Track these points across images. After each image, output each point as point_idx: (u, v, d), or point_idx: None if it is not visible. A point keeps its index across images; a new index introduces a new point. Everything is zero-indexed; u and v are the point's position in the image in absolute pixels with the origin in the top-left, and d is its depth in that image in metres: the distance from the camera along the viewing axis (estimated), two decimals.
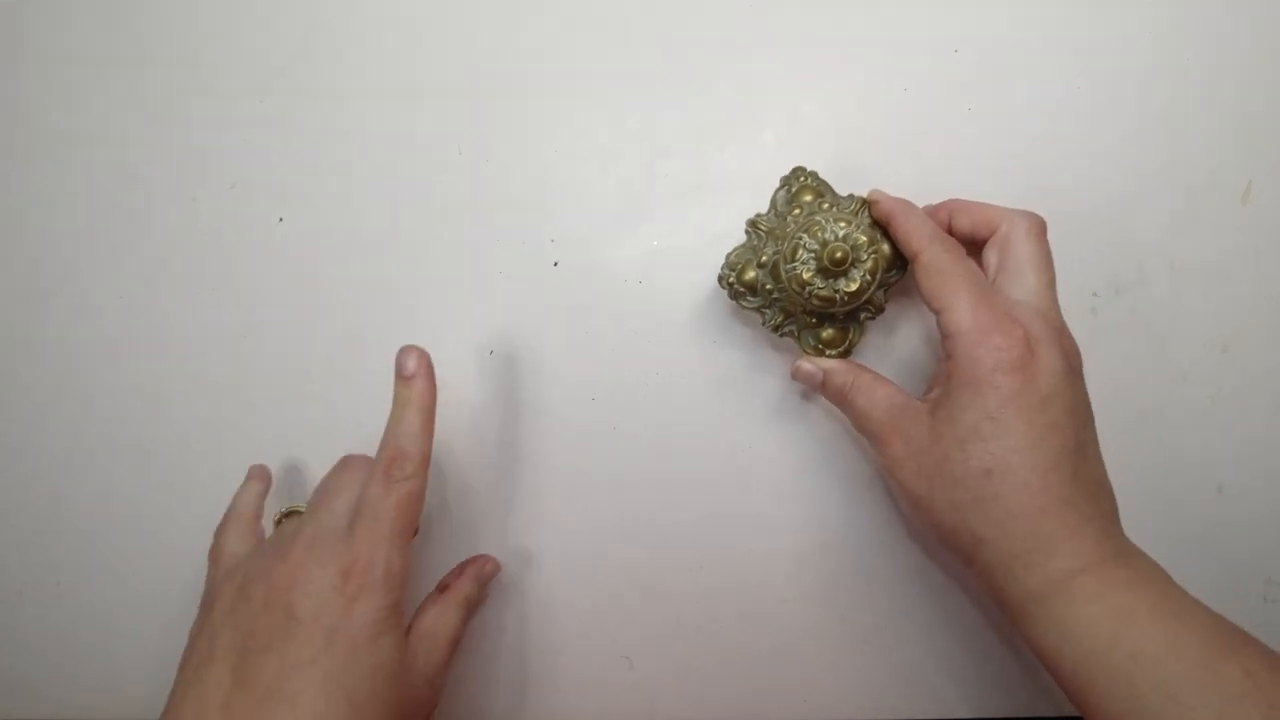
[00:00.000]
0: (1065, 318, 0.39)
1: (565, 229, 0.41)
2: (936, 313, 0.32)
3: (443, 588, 0.37)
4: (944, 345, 0.32)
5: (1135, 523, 0.39)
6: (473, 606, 0.37)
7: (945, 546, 0.33)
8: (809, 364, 0.36)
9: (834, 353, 0.37)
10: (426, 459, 0.33)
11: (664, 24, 0.41)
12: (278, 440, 0.41)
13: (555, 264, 0.40)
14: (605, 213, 0.40)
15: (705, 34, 0.41)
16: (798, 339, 0.37)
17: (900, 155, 0.40)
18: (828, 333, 0.36)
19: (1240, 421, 0.39)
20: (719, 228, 0.40)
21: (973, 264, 0.33)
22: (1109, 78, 0.40)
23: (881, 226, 0.35)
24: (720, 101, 0.40)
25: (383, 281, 0.41)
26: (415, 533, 0.33)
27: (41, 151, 0.42)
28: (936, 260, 0.32)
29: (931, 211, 0.36)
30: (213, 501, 0.38)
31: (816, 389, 0.37)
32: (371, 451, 0.39)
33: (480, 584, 0.38)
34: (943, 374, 0.32)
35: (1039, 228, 0.34)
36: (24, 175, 0.42)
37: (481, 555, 0.39)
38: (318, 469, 0.40)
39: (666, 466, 0.40)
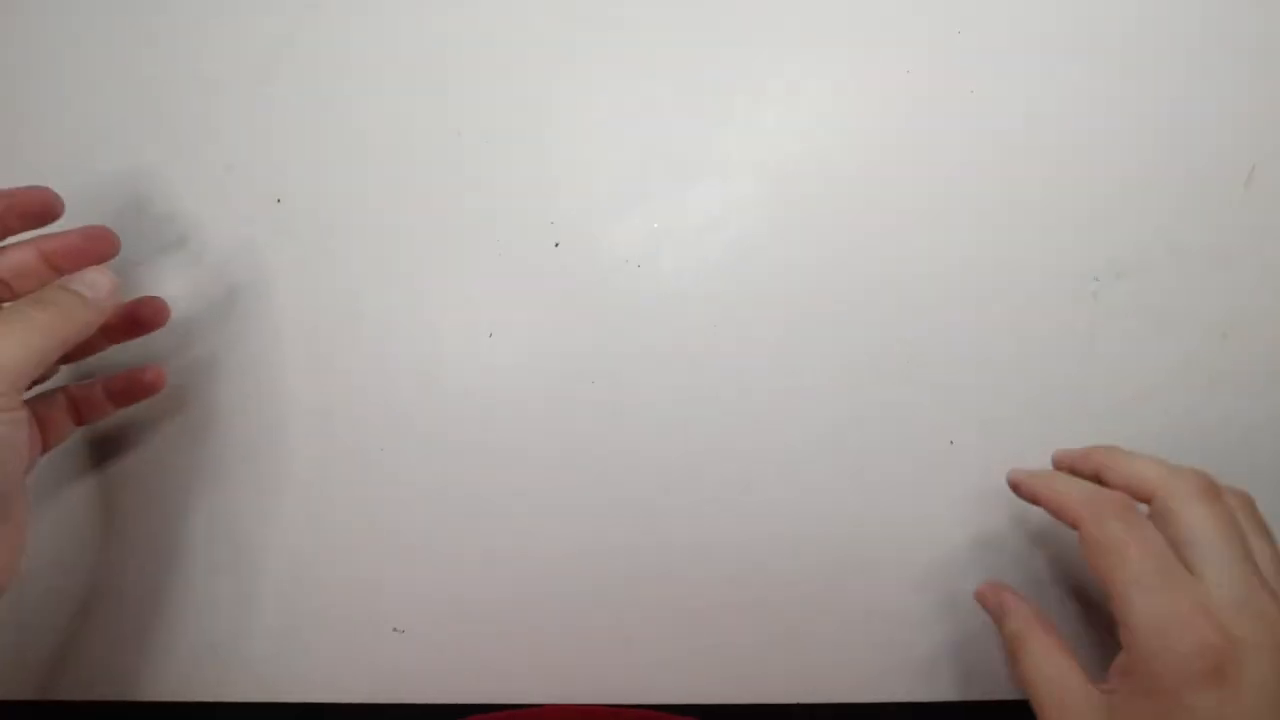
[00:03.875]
0: (1065, 302, 0.39)
1: (565, 211, 0.40)
2: (1105, 588, 0.26)
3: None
4: (1120, 634, 0.26)
5: None
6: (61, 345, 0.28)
7: None
8: (994, 595, 0.32)
9: None
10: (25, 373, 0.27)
11: (664, 3, 0.41)
12: (269, 424, 0.41)
13: (556, 245, 0.40)
14: (605, 194, 0.40)
15: (705, 15, 0.40)
16: None
17: (902, 138, 0.40)
18: None
19: (1240, 407, 0.39)
20: (719, 210, 0.39)
21: (1150, 531, 0.27)
22: (1112, 60, 0.40)
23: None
24: (720, 83, 0.40)
25: (381, 263, 0.41)
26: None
27: (35, 135, 0.42)
28: (1101, 533, 0.27)
29: (1075, 462, 0.31)
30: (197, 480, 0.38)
31: (996, 623, 0.32)
32: (370, 439, 0.39)
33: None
34: (1122, 668, 0.26)
35: (1209, 491, 0.27)
36: (21, 162, 0.42)
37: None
38: (312, 458, 0.40)
39: (667, 449, 0.40)
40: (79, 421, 0.33)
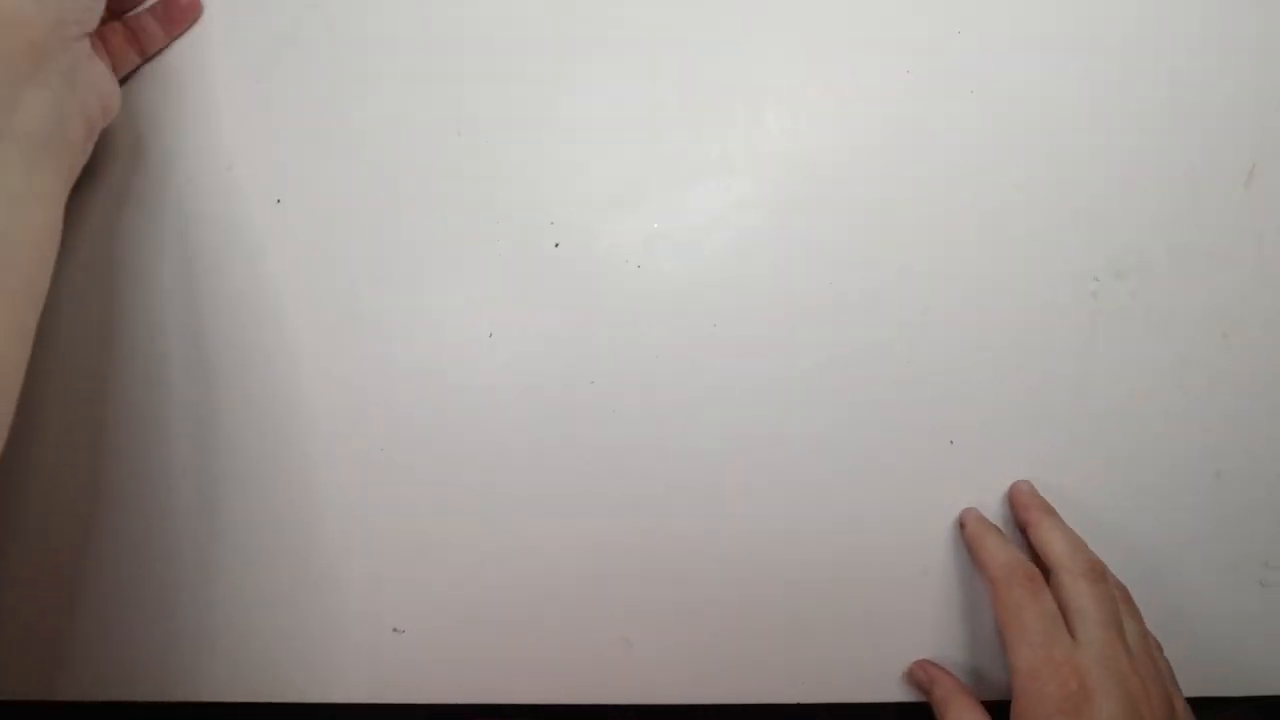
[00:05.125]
0: (1065, 302, 0.39)
1: (565, 211, 0.40)
2: (1004, 644, 0.33)
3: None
4: (1011, 681, 0.32)
5: (1134, 508, 0.39)
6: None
7: None
8: (923, 672, 0.37)
9: None
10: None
11: (664, 4, 0.41)
12: (268, 424, 0.41)
13: (556, 245, 0.40)
14: (605, 195, 0.40)
15: (705, 15, 0.40)
16: None
17: (902, 138, 0.40)
18: None
19: (1240, 407, 0.39)
20: (719, 210, 0.39)
21: (1046, 599, 0.33)
22: (1112, 60, 0.40)
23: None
24: (720, 83, 0.40)
25: (381, 264, 0.41)
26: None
27: None
28: (1008, 596, 0.33)
29: (1016, 508, 0.38)
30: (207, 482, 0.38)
31: (925, 695, 0.37)
32: (370, 439, 0.39)
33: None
34: (1012, 715, 0.32)
35: (1097, 573, 0.34)
36: None
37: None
38: (311, 458, 0.40)
39: (667, 450, 0.40)
40: (141, 52, 0.37)
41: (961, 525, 0.38)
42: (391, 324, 0.40)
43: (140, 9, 0.36)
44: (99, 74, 0.33)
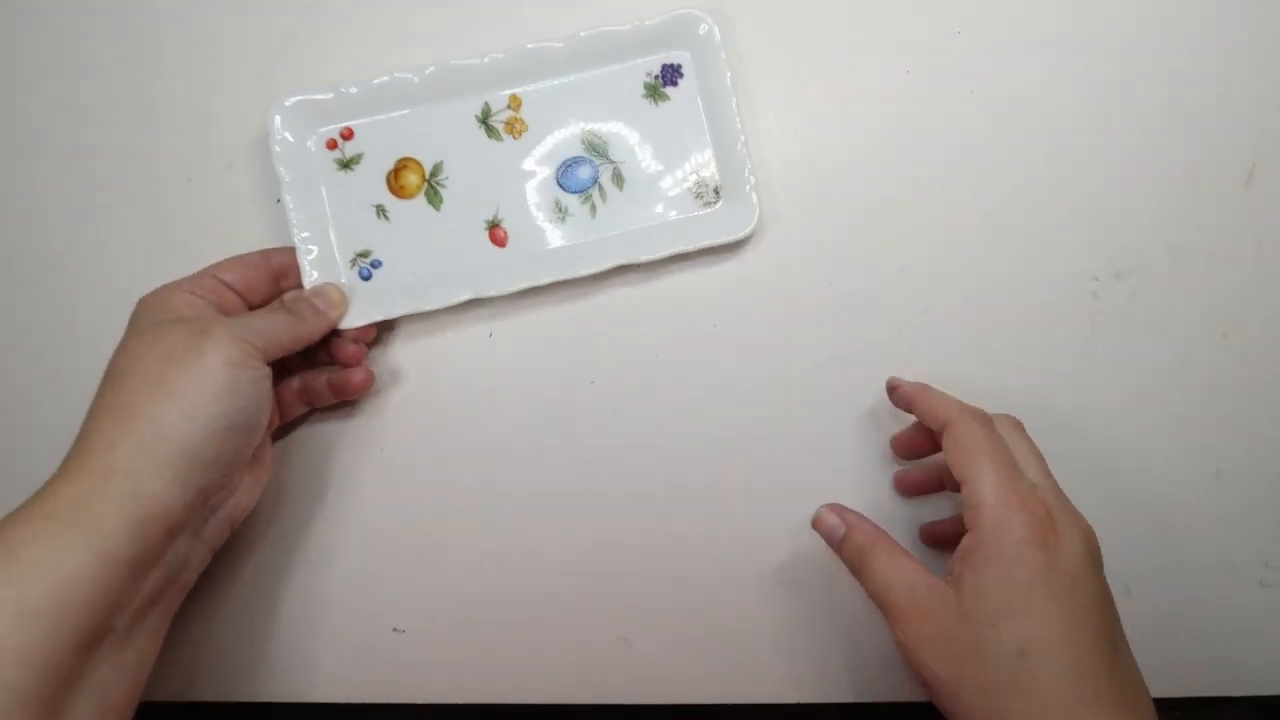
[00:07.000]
0: (1065, 302, 0.39)
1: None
2: (962, 483, 0.31)
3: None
4: (967, 518, 0.31)
5: (1134, 507, 0.39)
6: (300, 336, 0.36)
7: None
8: (833, 515, 0.34)
9: None
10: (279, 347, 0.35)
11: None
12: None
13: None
14: None
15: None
16: None
17: (902, 138, 0.40)
18: None
19: (1240, 407, 0.39)
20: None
21: (1000, 440, 0.32)
22: (1112, 60, 0.40)
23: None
24: None
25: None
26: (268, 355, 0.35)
27: (36, 133, 0.42)
28: (967, 431, 0.32)
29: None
30: None
31: (834, 545, 0.34)
32: (370, 440, 0.39)
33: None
34: (966, 550, 0.30)
35: (1015, 423, 0.34)
36: (18, 157, 0.42)
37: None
38: (311, 459, 0.40)
39: (667, 450, 0.40)
40: (308, 404, 0.39)
41: (892, 389, 0.36)
42: (391, 323, 0.40)
43: (319, 375, 0.39)
44: (234, 505, 0.35)
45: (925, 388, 0.35)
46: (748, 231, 0.38)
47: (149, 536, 0.30)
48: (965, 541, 0.30)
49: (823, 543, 0.39)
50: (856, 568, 0.33)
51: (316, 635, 0.39)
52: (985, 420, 0.32)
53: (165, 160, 0.42)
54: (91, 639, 0.29)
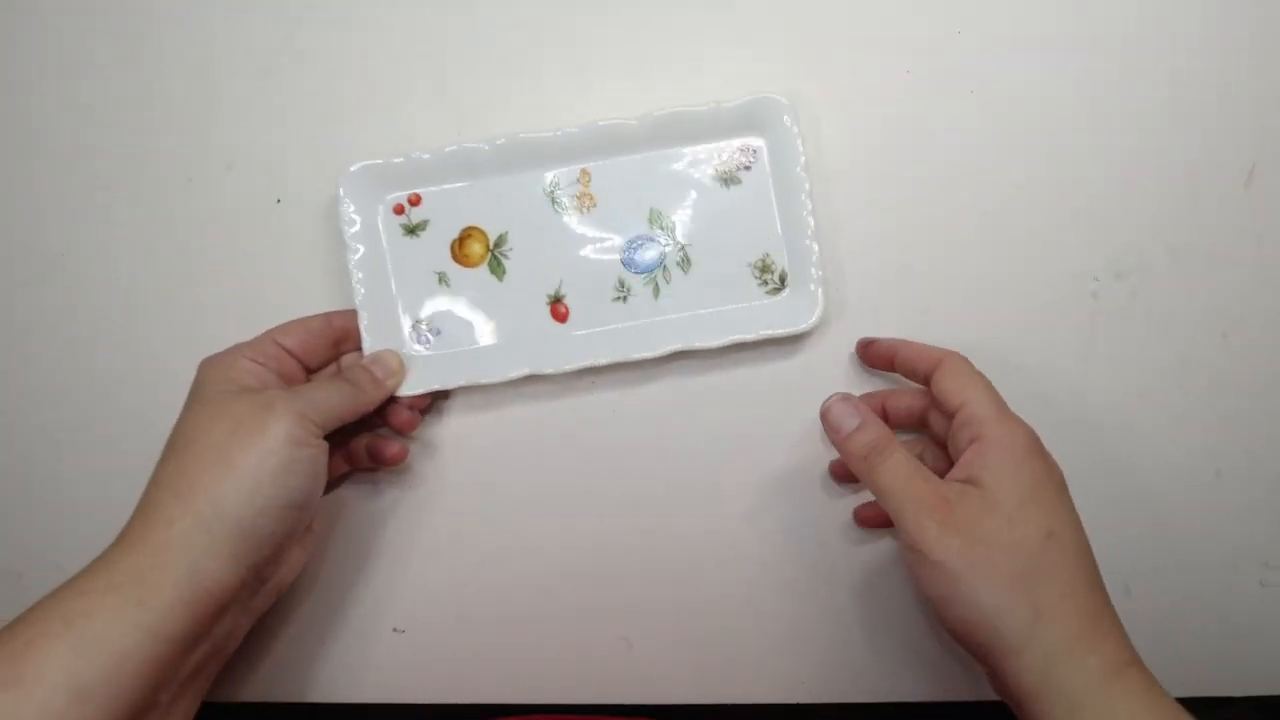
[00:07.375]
0: (1065, 302, 0.39)
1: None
2: (960, 406, 0.33)
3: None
4: (966, 434, 0.33)
5: (1134, 507, 0.39)
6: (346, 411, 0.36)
7: (977, 637, 0.30)
8: (846, 406, 0.34)
9: None
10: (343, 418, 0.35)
11: (664, 5, 0.41)
12: None
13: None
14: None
15: (705, 16, 0.40)
16: None
17: (902, 138, 0.40)
18: None
19: (1240, 407, 0.39)
20: None
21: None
22: (1112, 60, 0.40)
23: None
24: (719, 83, 0.40)
25: None
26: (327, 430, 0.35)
27: (36, 133, 0.42)
28: (962, 364, 0.35)
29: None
30: None
31: (838, 439, 0.34)
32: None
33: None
34: (976, 455, 0.32)
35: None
36: (19, 157, 0.42)
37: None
38: None
39: (668, 451, 0.40)
40: (351, 465, 0.39)
41: (868, 344, 0.38)
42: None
43: (361, 439, 0.38)
44: (282, 576, 0.35)
45: (904, 340, 0.37)
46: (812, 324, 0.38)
47: (201, 614, 0.30)
48: (972, 451, 0.32)
49: (823, 543, 0.39)
50: (866, 465, 0.33)
51: (316, 635, 0.39)
52: (971, 363, 0.35)
53: (165, 160, 0.42)
54: (139, 713, 0.29)
